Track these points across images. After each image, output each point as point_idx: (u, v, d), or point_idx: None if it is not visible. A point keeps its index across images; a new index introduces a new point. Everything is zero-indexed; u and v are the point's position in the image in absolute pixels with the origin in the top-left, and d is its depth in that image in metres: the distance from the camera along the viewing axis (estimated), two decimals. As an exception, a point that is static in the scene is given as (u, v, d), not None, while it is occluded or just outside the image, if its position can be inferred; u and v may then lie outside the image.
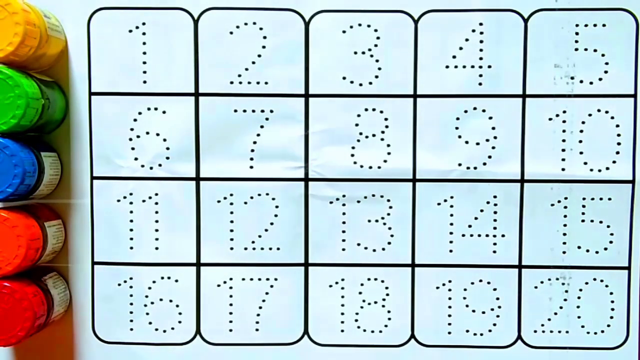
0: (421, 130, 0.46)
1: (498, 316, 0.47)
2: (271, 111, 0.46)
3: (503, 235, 0.47)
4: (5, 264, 0.42)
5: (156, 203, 0.46)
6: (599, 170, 0.46)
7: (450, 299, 0.47)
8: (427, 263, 0.47)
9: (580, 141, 0.46)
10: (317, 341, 0.47)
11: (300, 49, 0.46)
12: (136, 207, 0.47)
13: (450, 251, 0.47)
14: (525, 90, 0.46)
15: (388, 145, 0.46)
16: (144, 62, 0.46)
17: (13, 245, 0.42)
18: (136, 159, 0.46)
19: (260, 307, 0.47)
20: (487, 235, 0.47)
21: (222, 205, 0.47)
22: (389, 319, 0.47)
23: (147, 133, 0.46)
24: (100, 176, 0.46)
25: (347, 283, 0.47)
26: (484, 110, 0.46)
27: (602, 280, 0.47)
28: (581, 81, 0.46)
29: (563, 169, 0.46)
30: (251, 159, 0.46)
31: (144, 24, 0.46)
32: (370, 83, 0.46)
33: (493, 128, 0.46)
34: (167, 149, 0.46)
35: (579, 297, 0.47)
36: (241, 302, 0.47)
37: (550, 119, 0.46)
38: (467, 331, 0.47)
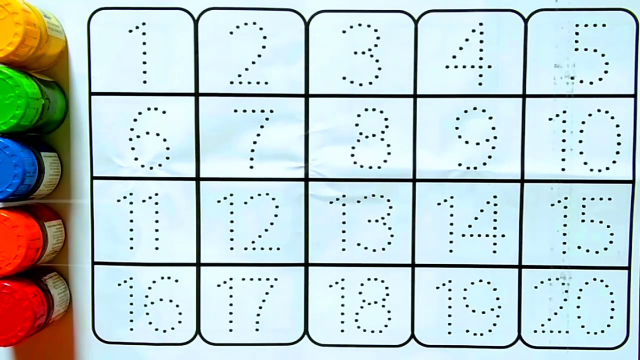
0: (421, 130, 0.46)
1: (498, 316, 0.47)
2: (271, 111, 0.46)
3: (503, 235, 0.47)
4: (5, 264, 0.42)
5: (156, 203, 0.46)
6: (599, 170, 0.46)
7: (450, 299, 0.47)
8: (427, 263, 0.47)
9: (580, 141, 0.46)
10: (317, 341, 0.47)
11: (300, 49, 0.46)
12: (136, 207, 0.47)
13: (450, 251, 0.47)
14: (525, 90, 0.46)
15: (388, 145, 0.46)
16: (144, 62, 0.46)
17: (13, 245, 0.42)
18: (136, 159, 0.46)
19: (260, 307, 0.47)
20: (487, 235, 0.47)
21: (222, 205, 0.47)
22: (389, 319, 0.47)
23: (147, 133, 0.46)
24: (100, 176, 0.46)
25: (347, 283, 0.47)
26: (484, 110, 0.46)
27: (602, 280, 0.47)
28: (581, 81, 0.46)
29: (563, 169, 0.46)
30: (251, 159, 0.46)
31: (144, 24, 0.46)
32: (370, 83, 0.46)
33: (493, 128, 0.46)
34: (167, 149, 0.46)
35: (579, 297, 0.47)
36: (241, 302, 0.47)
37: (550, 119, 0.46)
38: (467, 331, 0.47)
